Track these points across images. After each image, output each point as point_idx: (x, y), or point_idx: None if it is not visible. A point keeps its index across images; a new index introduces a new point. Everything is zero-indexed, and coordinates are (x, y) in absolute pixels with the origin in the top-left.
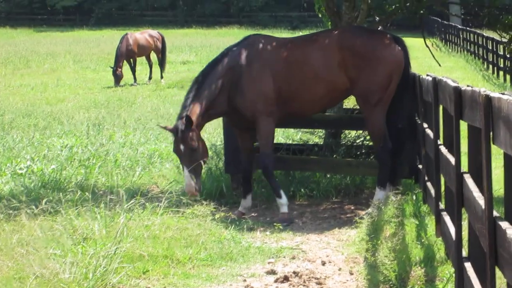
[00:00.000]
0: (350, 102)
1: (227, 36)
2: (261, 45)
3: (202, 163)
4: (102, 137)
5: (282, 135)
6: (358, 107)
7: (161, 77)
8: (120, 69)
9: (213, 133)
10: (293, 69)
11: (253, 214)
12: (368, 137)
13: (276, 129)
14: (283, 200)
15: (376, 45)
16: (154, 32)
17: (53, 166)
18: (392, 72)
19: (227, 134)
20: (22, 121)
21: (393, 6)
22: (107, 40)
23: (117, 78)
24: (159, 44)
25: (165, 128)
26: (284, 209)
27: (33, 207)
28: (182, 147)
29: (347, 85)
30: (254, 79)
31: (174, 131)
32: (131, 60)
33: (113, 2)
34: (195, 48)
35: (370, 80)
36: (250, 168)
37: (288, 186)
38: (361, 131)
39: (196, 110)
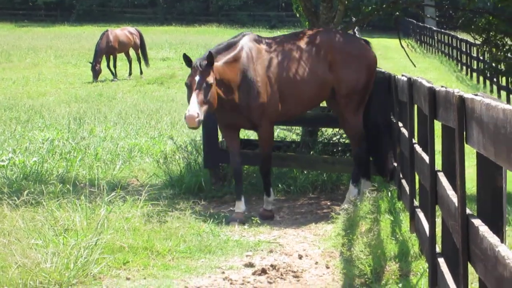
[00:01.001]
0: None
1: (206, 34)
2: (261, 46)
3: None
4: (83, 131)
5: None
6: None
7: (141, 72)
8: (98, 65)
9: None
10: (291, 71)
11: (231, 208)
12: (344, 135)
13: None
14: (271, 198)
15: (360, 47)
16: (132, 29)
17: (35, 159)
18: (372, 73)
19: (206, 130)
20: (4, 114)
21: (370, 8)
22: (88, 36)
23: (96, 73)
24: (138, 41)
25: (186, 57)
26: (269, 207)
27: (15, 198)
28: (197, 78)
29: (334, 85)
30: (262, 83)
31: (194, 63)
32: (111, 56)
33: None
34: (174, 45)
35: (355, 80)
36: (241, 169)
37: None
38: (337, 129)
39: (218, 63)
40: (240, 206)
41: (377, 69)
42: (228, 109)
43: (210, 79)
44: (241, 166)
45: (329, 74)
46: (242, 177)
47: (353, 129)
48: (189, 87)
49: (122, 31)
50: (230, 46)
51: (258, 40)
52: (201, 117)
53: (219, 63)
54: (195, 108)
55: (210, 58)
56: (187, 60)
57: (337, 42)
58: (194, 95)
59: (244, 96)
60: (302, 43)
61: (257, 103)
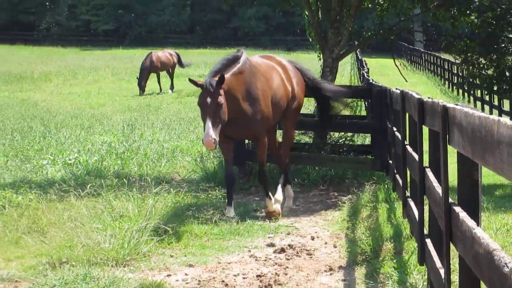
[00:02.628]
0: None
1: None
2: (254, 63)
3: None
4: (135, 135)
5: (279, 135)
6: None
7: (171, 87)
8: (143, 81)
9: None
10: (275, 87)
11: (256, 198)
12: (348, 138)
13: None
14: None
15: (306, 70)
16: (172, 51)
17: (95, 158)
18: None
19: None
20: (71, 122)
21: (369, 33)
22: (139, 57)
23: (141, 88)
24: (176, 61)
25: (195, 82)
26: (275, 206)
27: (80, 190)
28: (209, 100)
29: (293, 101)
30: (263, 96)
31: (205, 84)
32: (156, 73)
33: (143, 27)
34: (209, 64)
35: (301, 97)
36: (234, 176)
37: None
38: (342, 133)
39: (228, 78)
40: (231, 211)
41: (375, 83)
42: (232, 121)
43: (221, 99)
44: (233, 173)
45: (291, 92)
46: (233, 183)
47: (291, 140)
48: (202, 108)
49: (163, 53)
50: (233, 61)
51: (251, 58)
52: (217, 138)
53: (227, 74)
54: (211, 133)
55: (222, 78)
56: (193, 82)
57: (297, 65)
58: (208, 120)
59: (249, 108)
60: (277, 65)
61: (260, 114)
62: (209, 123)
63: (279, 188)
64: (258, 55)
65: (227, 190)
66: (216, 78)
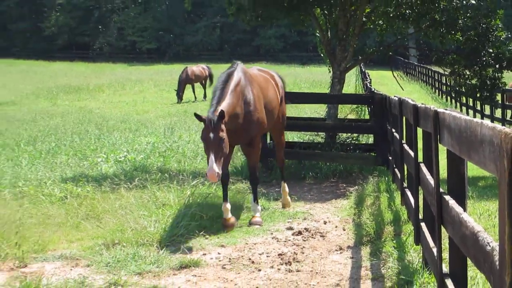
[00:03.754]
0: (341, 113)
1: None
2: (250, 73)
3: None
4: (174, 136)
5: (296, 136)
6: (349, 117)
7: (204, 96)
8: (181, 92)
9: None
10: (271, 97)
11: (277, 189)
12: (354, 138)
13: (290, 131)
14: (259, 207)
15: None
16: (204, 65)
17: (142, 156)
18: None
19: None
20: (120, 126)
21: (371, 49)
22: (177, 71)
23: (179, 97)
24: (208, 74)
25: (199, 117)
26: (258, 214)
27: (129, 183)
28: (212, 135)
29: (282, 110)
30: (258, 102)
31: (207, 120)
32: (191, 84)
33: (181, 46)
34: None
35: (284, 108)
36: (228, 179)
37: (301, 171)
38: (349, 134)
39: (226, 108)
40: (227, 205)
41: (377, 91)
42: (233, 131)
43: (223, 134)
44: (228, 176)
45: (279, 103)
46: (228, 186)
47: (284, 143)
48: (206, 143)
49: (197, 67)
50: (229, 75)
51: (248, 69)
52: (220, 172)
53: (226, 101)
54: (214, 168)
55: (222, 114)
56: (198, 117)
57: (281, 80)
58: (211, 155)
59: (245, 115)
60: (270, 78)
61: (256, 120)
62: (212, 157)
63: (284, 183)
64: (256, 67)
65: (222, 188)
66: (217, 114)
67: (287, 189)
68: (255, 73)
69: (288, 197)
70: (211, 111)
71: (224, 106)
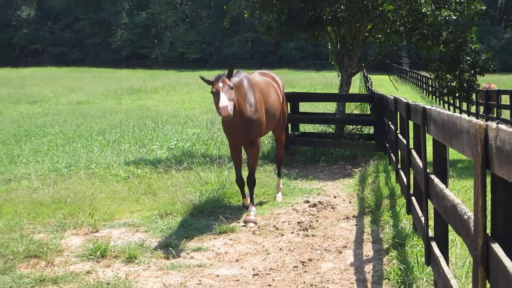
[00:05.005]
0: (348, 109)
1: (281, 74)
2: (253, 79)
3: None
4: (215, 128)
5: (312, 128)
6: (355, 112)
7: None
8: None
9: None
10: (272, 101)
11: (296, 170)
12: (359, 128)
13: (307, 124)
14: (253, 207)
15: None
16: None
17: (189, 144)
18: None
19: None
20: (172, 120)
21: (372, 58)
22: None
23: None
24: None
25: (205, 79)
26: (252, 213)
27: (178, 166)
28: (220, 84)
29: (283, 111)
30: (259, 106)
31: (216, 76)
32: None
33: (220, 56)
34: None
35: (285, 107)
36: (242, 178)
37: (315, 155)
38: (355, 126)
39: (236, 105)
40: (252, 208)
41: (376, 92)
42: (238, 129)
43: (231, 84)
44: (242, 174)
45: (281, 105)
46: (243, 184)
47: (283, 142)
48: (216, 92)
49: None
50: (230, 76)
51: (250, 75)
52: (232, 108)
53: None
54: (226, 101)
55: (231, 70)
56: (204, 79)
57: (283, 84)
58: (222, 94)
59: (248, 116)
60: (272, 81)
61: (257, 121)
62: (223, 95)
63: (279, 180)
64: (258, 71)
65: (239, 189)
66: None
67: (281, 186)
68: (257, 79)
69: (280, 194)
70: (219, 76)
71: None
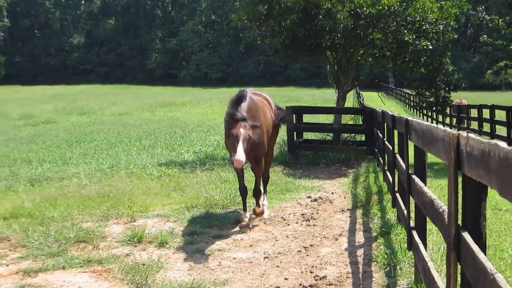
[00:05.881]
0: (344, 120)
1: (289, 91)
2: (255, 97)
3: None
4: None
5: (313, 135)
6: (349, 123)
7: None
8: None
9: (279, 131)
10: (268, 119)
11: (300, 171)
12: (352, 136)
13: (309, 132)
14: (247, 215)
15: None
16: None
17: (211, 149)
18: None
19: (288, 134)
20: (197, 129)
21: (363, 77)
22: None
23: None
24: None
25: (233, 114)
26: (245, 220)
27: (202, 167)
28: (242, 131)
29: (273, 128)
30: (264, 125)
31: (237, 117)
32: None
33: (237, 75)
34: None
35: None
36: (246, 189)
37: (316, 159)
38: (349, 134)
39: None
40: (246, 215)
41: (367, 106)
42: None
43: (250, 133)
44: (245, 186)
45: (272, 122)
46: (246, 194)
47: (271, 158)
48: (235, 136)
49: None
50: (240, 99)
51: (252, 97)
52: (245, 159)
53: (245, 109)
54: (242, 155)
55: (240, 99)
56: (234, 115)
57: (273, 102)
58: (240, 144)
59: (256, 135)
60: (265, 101)
61: (263, 140)
62: (240, 147)
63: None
64: (251, 91)
65: (242, 199)
66: (244, 115)
67: (265, 202)
68: (255, 98)
69: (266, 208)
70: (239, 114)
71: (244, 111)
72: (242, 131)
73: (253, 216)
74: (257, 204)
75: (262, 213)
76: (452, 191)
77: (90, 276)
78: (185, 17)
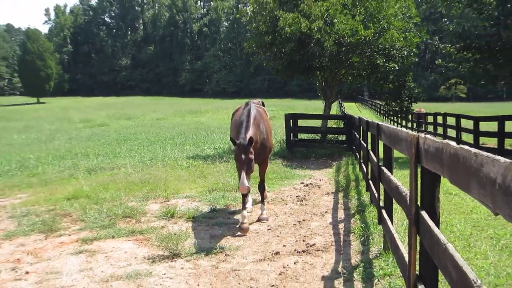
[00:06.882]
0: (329, 124)
1: (286, 102)
2: (260, 109)
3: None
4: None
5: (305, 136)
6: (333, 126)
7: None
8: None
9: (280, 132)
10: (269, 126)
11: (295, 163)
12: (336, 137)
13: (303, 133)
14: (245, 213)
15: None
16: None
17: (227, 145)
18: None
19: (287, 133)
20: (217, 130)
21: (345, 91)
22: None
23: None
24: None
25: (234, 141)
26: (244, 220)
27: (220, 159)
28: (243, 156)
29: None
30: (268, 132)
31: (240, 144)
32: None
33: (247, 89)
34: (277, 106)
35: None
36: (248, 190)
37: (308, 153)
38: (333, 135)
39: (253, 136)
40: (244, 212)
41: (347, 113)
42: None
43: (252, 156)
44: (248, 188)
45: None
46: (247, 196)
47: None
48: (238, 161)
49: (256, 100)
50: (249, 112)
51: (257, 107)
52: (249, 185)
53: (251, 130)
54: (245, 182)
55: (251, 140)
56: (233, 141)
57: (267, 112)
58: (243, 172)
59: (261, 142)
60: (263, 109)
61: (267, 145)
62: (244, 174)
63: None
64: (252, 102)
65: (242, 197)
66: (247, 139)
67: (265, 211)
68: (258, 109)
69: (265, 212)
70: (243, 137)
71: (250, 133)
72: (244, 156)
73: (252, 213)
74: (262, 201)
75: (266, 197)
76: (413, 179)
77: (133, 243)
78: (208, 45)
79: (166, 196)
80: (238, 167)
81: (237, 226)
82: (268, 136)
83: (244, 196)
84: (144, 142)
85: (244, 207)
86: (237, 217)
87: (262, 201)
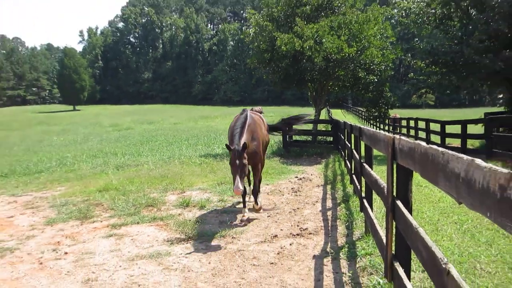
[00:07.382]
0: (319, 127)
1: (283, 109)
2: (254, 115)
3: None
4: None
5: (299, 137)
6: (322, 129)
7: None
8: None
9: (277, 134)
10: (264, 132)
11: (291, 160)
12: (325, 138)
13: (295, 136)
14: (247, 210)
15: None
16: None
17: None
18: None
19: (283, 136)
20: (225, 133)
21: (332, 100)
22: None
23: None
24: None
25: (228, 147)
26: (246, 215)
27: (228, 157)
28: (237, 161)
29: (266, 141)
30: (261, 138)
31: (234, 150)
32: None
33: (250, 98)
34: (275, 112)
35: (267, 135)
36: (245, 192)
37: (301, 152)
38: (322, 136)
39: (247, 141)
40: (246, 210)
41: (334, 118)
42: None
43: (245, 161)
44: (244, 187)
45: (265, 136)
46: (245, 194)
47: (263, 165)
48: (233, 165)
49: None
50: (245, 119)
51: (252, 114)
52: (242, 188)
53: (244, 136)
54: (239, 185)
55: (245, 146)
56: (228, 147)
57: (264, 119)
58: (237, 175)
59: (254, 146)
60: (259, 116)
61: (259, 151)
62: (238, 178)
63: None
64: (250, 110)
65: (242, 199)
66: (241, 145)
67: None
68: (254, 116)
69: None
70: (237, 143)
71: (244, 139)
72: (238, 162)
73: (251, 210)
74: (256, 202)
75: (260, 208)
76: (389, 174)
77: (155, 228)
78: (217, 61)
79: (182, 188)
80: (232, 171)
81: (239, 218)
82: (259, 143)
83: (244, 196)
84: (163, 143)
85: (244, 205)
86: (241, 206)
87: (244, 205)
